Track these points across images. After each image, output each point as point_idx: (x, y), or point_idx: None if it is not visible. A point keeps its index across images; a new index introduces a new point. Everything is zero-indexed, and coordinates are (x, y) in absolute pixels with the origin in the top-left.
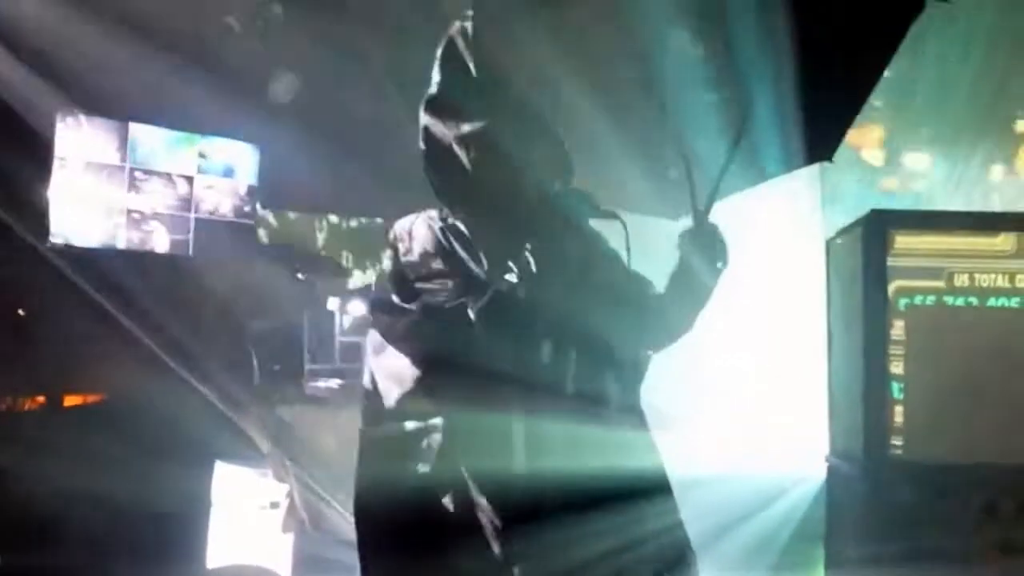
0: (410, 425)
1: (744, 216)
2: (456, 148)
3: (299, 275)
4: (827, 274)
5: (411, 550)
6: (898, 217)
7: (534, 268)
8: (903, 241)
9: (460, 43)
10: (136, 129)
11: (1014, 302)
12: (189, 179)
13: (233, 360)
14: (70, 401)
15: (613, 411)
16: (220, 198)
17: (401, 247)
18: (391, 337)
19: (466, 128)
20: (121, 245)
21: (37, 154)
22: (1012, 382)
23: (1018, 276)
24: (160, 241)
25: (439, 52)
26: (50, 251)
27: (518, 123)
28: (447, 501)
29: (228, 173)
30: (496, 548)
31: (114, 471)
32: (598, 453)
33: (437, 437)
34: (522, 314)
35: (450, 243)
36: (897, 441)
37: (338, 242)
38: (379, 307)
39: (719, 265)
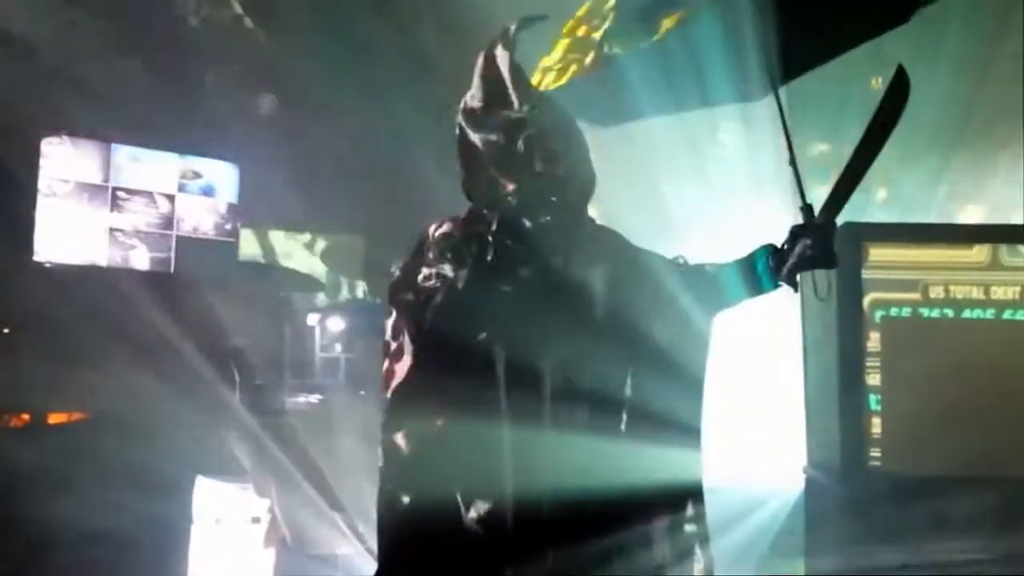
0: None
1: (717, 228)
2: (493, 154)
3: (279, 292)
4: (801, 287)
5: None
6: (872, 229)
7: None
8: (877, 253)
9: (501, 53)
10: (118, 149)
11: (989, 313)
12: (170, 198)
13: (214, 376)
14: (53, 419)
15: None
16: (201, 216)
17: (429, 252)
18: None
19: (504, 136)
20: (104, 263)
21: (22, 175)
22: (988, 393)
23: (992, 287)
24: (142, 259)
25: (480, 60)
26: (35, 269)
27: (555, 134)
28: (471, 514)
29: (209, 191)
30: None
31: (96, 488)
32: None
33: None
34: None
35: (476, 248)
36: (875, 452)
37: (318, 259)
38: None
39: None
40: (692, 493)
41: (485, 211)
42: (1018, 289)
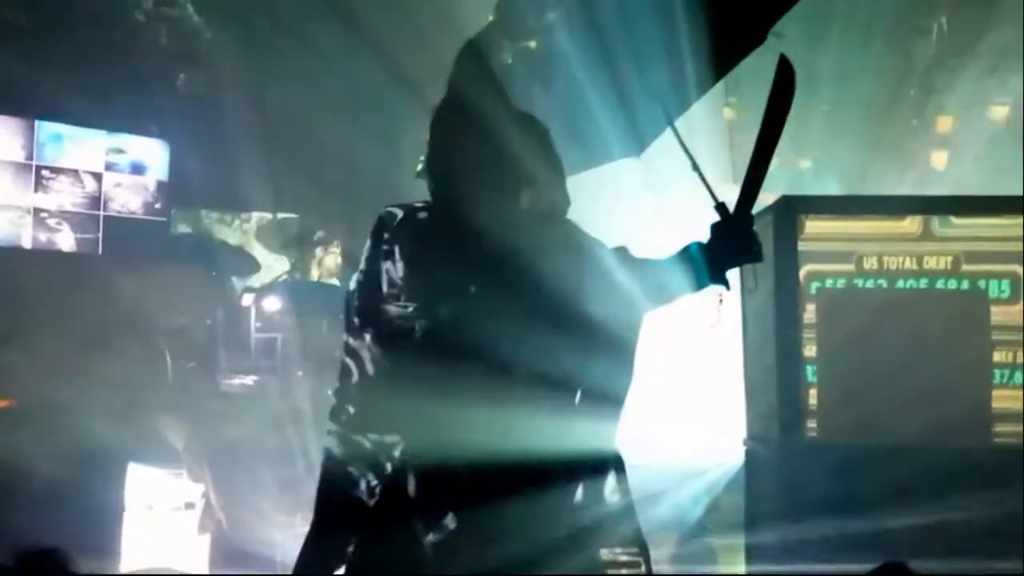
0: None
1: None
2: (465, 150)
3: (212, 272)
4: (742, 266)
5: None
6: (808, 202)
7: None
8: (813, 226)
9: (480, 50)
10: (42, 126)
11: (922, 283)
12: (97, 176)
13: (145, 359)
14: None
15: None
16: (129, 195)
17: (385, 242)
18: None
19: (478, 133)
20: (27, 245)
21: None
22: (921, 362)
23: (925, 258)
24: (67, 240)
25: (458, 56)
26: None
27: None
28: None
29: (138, 170)
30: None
31: (24, 475)
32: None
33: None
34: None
35: (439, 243)
36: (812, 423)
37: (251, 238)
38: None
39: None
40: (615, 463)
41: (443, 197)
42: (950, 259)
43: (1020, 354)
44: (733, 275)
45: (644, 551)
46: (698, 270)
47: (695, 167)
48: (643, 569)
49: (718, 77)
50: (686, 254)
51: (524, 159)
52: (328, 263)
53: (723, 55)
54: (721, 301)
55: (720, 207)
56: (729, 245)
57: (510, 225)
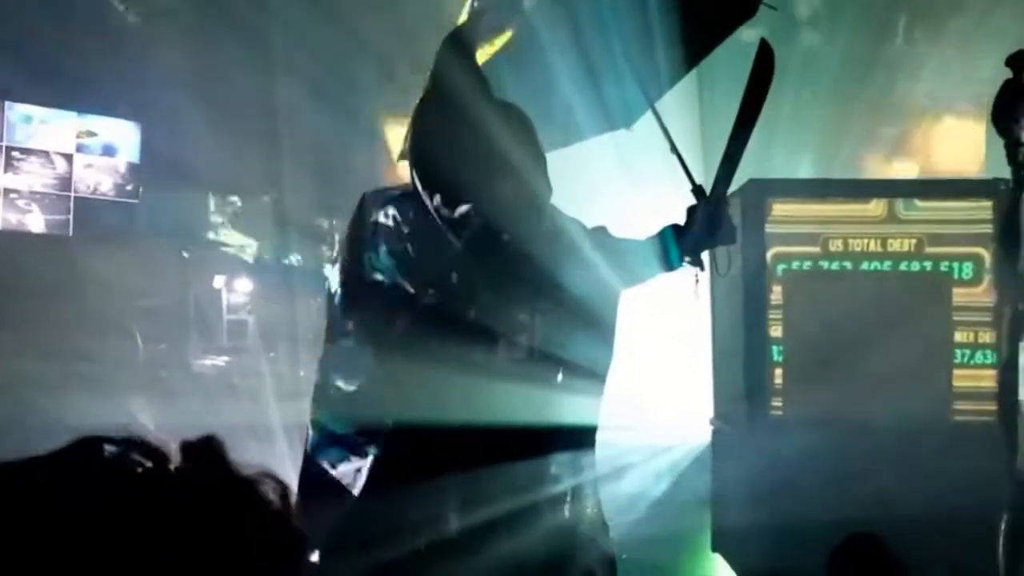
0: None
1: (623, 187)
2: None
3: (183, 253)
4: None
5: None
6: (775, 185)
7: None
8: (780, 209)
9: (462, 40)
10: (12, 107)
11: (886, 265)
12: (68, 157)
13: (116, 339)
14: None
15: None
16: (100, 177)
17: (367, 225)
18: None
19: (461, 122)
20: None
21: None
22: (884, 342)
23: (889, 240)
24: (38, 221)
25: (441, 47)
26: None
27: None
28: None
29: (109, 151)
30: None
31: None
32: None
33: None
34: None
35: (426, 230)
36: (777, 402)
37: (223, 220)
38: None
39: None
40: (588, 439)
41: (425, 183)
42: (913, 241)
43: (981, 334)
44: (707, 257)
45: (605, 527)
46: (674, 251)
47: (674, 149)
48: (603, 544)
49: (709, 49)
50: (663, 235)
51: (506, 147)
52: (301, 246)
53: (715, 25)
54: (697, 281)
55: (697, 190)
56: (705, 227)
57: (492, 210)
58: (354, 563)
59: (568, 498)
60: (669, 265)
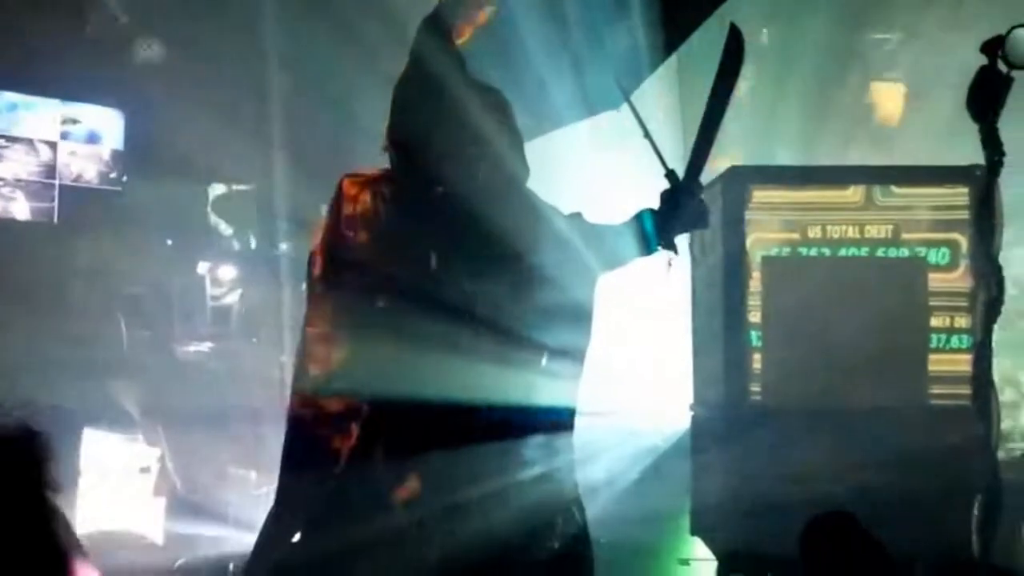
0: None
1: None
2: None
3: (167, 241)
4: (690, 232)
5: None
6: (755, 172)
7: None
8: (760, 195)
9: (441, 20)
10: None
11: (863, 251)
12: (52, 145)
13: (101, 326)
14: None
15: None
16: (84, 164)
17: (345, 208)
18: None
19: (439, 103)
20: None
21: None
22: (862, 327)
23: (867, 227)
24: (22, 209)
25: (419, 29)
26: None
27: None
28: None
29: (93, 139)
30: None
31: None
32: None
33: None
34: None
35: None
36: (756, 388)
37: (207, 207)
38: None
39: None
40: (565, 420)
41: (404, 165)
42: (890, 228)
43: (957, 319)
44: (683, 243)
45: (580, 508)
46: (649, 236)
47: (647, 135)
48: (579, 522)
49: (681, 40)
50: (638, 220)
51: (484, 128)
52: (288, 234)
53: (685, 16)
54: (670, 265)
55: (670, 175)
56: (678, 212)
57: (470, 193)
58: (335, 539)
59: (543, 477)
60: (647, 249)
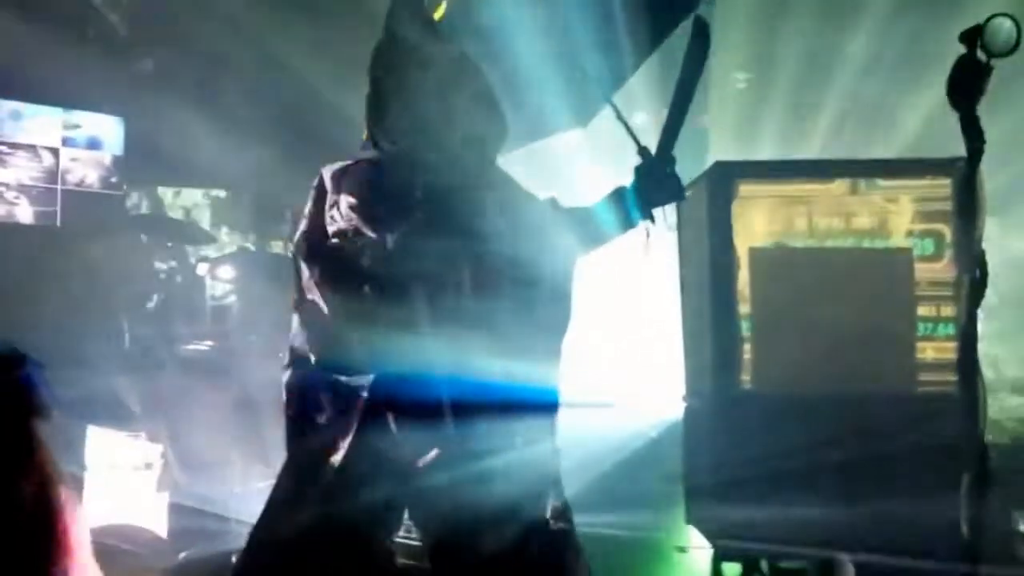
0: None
1: (598, 172)
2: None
3: (167, 243)
4: (679, 226)
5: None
6: (741, 167)
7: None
8: (746, 189)
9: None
10: (1, 104)
11: (850, 242)
12: (54, 151)
13: (103, 326)
14: None
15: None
16: (86, 170)
17: (329, 197)
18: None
19: (414, 72)
20: None
21: None
22: (850, 316)
23: (853, 218)
24: (26, 213)
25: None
26: None
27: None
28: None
29: (94, 145)
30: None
31: None
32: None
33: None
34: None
35: (386, 193)
36: (746, 376)
37: (206, 210)
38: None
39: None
40: (547, 404)
41: (390, 151)
42: (876, 219)
43: (943, 308)
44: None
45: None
46: (625, 210)
47: (618, 115)
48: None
49: (654, 46)
50: (613, 196)
51: (456, 92)
52: (282, 236)
53: (658, 24)
54: (648, 234)
55: (643, 151)
56: (652, 185)
57: (445, 165)
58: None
59: (523, 457)
60: (624, 224)
